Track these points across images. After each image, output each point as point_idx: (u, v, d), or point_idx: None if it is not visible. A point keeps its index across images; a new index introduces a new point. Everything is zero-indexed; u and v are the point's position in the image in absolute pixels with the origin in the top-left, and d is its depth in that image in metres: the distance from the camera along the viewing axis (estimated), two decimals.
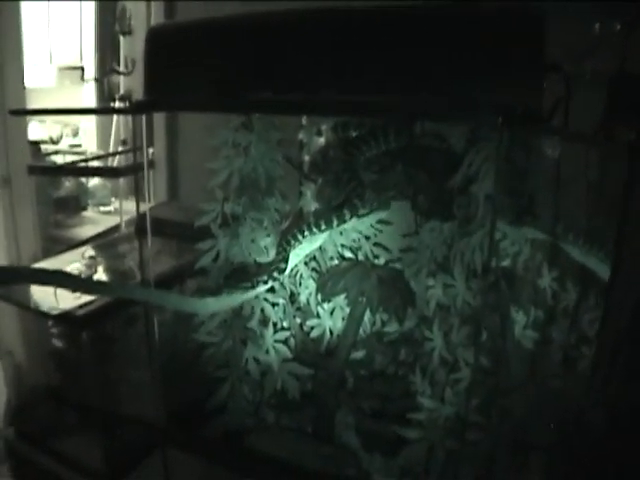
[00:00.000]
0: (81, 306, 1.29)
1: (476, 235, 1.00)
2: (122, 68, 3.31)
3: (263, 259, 1.17)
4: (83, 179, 3.18)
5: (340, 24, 0.91)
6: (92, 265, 1.55)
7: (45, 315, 1.32)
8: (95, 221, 3.08)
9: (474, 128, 1.01)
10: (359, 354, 1.27)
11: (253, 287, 1.07)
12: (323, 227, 1.09)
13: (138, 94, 3.39)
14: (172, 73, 1.04)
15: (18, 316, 1.58)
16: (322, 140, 1.32)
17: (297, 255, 1.14)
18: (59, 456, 1.45)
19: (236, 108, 1.06)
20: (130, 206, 2.97)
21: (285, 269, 1.10)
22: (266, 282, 1.09)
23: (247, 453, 1.22)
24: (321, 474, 1.16)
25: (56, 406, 1.54)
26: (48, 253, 2.56)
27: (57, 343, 1.44)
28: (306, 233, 1.10)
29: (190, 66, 1.01)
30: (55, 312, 1.27)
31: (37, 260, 2.46)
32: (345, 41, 0.90)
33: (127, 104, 3.16)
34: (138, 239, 1.72)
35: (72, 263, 1.60)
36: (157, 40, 1.06)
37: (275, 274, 1.08)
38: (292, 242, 1.08)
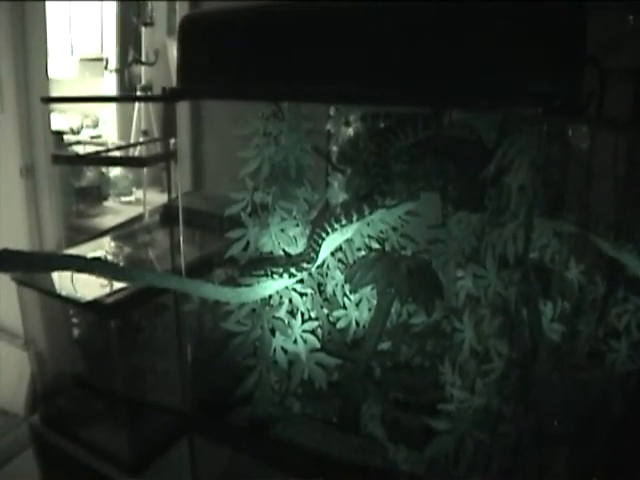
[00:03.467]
0: (109, 294, 1.30)
1: (509, 226, 0.99)
2: (144, 59, 3.33)
3: (292, 249, 1.17)
4: (104, 169, 3.21)
5: (376, 12, 0.91)
6: (117, 254, 1.56)
7: (73, 303, 1.33)
8: (116, 211, 3.12)
9: (509, 119, 1.00)
10: (386, 345, 1.26)
11: (285, 277, 1.08)
12: (353, 218, 1.09)
13: (159, 85, 3.41)
14: (206, 61, 1.04)
15: (43, 303, 1.58)
16: (350, 131, 1.32)
17: (328, 246, 1.14)
18: (84, 443, 1.47)
19: (269, 97, 1.06)
20: (150, 196, 3.00)
21: (315, 261, 1.10)
22: (297, 273, 1.09)
23: (273, 442, 1.23)
24: (347, 464, 1.16)
25: (82, 394, 1.55)
26: (70, 242, 2.59)
27: (84, 331, 1.45)
28: (336, 225, 1.10)
29: (224, 54, 1.01)
30: (83, 300, 1.28)
31: (60, 249, 2.49)
32: (380, 30, 0.90)
33: (148, 94, 3.19)
34: (164, 228, 1.75)
35: (96, 252, 1.61)
36: (191, 28, 1.06)
37: (306, 265, 1.08)
38: (323, 234, 1.09)
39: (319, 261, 1.12)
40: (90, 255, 1.32)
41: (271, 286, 1.10)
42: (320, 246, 1.10)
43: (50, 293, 1.39)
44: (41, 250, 2.49)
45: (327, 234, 1.09)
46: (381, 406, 1.21)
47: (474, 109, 1.00)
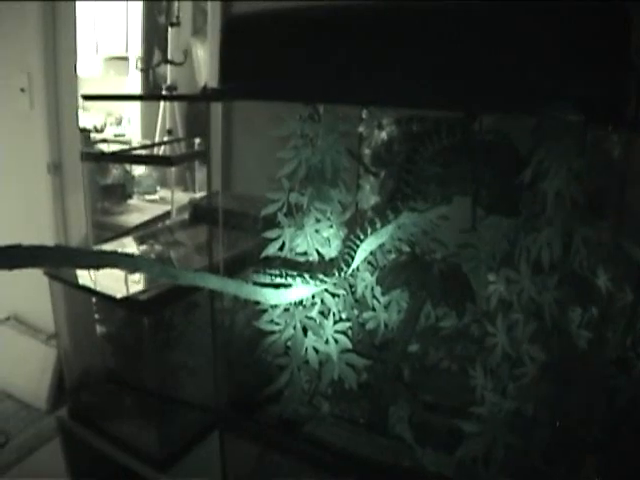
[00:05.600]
0: (143, 291, 1.32)
1: (544, 232, 0.99)
2: (169, 58, 3.35)
3: (325, 250, 1.18)
4: (128, 168, 3.24)
5: (420, 15, 0.91)
6: (149, 253, 1.58)
7: (106, 299, 1.34)
8: (141, 209, 3.14)
9: (546, 124, 1.01)
10: (415, 347, 1.27)
11: (323, 281, 1.10)
12: (386, 221, 1.11)
13: (183, 84, 3.43)
14: (248, 62, 1.05)
15: (74, 298, 1.60)
16: (383, 134, 1.33)
17: (364, 251, 1.15)
18: (112, 437, 1.48)
19: (310, 99, 1.07)
20: (175, 195, 3.04)
21: (350, 266, 1.11)
22: (333, 278, 1.11)
23: (302, 441, 1.24)
24: (375, 463, 1.17)
25: (110, 388, 1.57)
26: (96, 239, 2.62)
27: (115, 326, 1.47)
28: (370, 230, 1.12)
29: (266, 55, 1.03)
30: (118, 296, 1.30)
31: (86, 245, 2.52)
32: (422, 33, 0.91)
33: (174, 94, 3.21)
34: (193, 227, 1.76)
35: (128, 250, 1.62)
36: (235, 29, 1.08)
37: (342, 270, 1.10)
38: (358, 240, 1.10)
39: (354, 265, 1.13)
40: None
41: (308, 288, 1.11)
42: (355, 251, 1.11)
43: (82, 288, 1.41)
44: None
45: (361, 240, 1.11)
46: (409, 407, 1.22)
47: (516, 114, 1.00)
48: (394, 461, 1.17)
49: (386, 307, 1.30)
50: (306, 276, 1.10)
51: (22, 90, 2.38)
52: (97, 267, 0.71)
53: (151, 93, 3.64)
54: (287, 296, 1.10)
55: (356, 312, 1.29)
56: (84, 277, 1.43)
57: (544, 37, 0.82)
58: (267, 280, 1.09)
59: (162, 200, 3.29)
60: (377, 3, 0.94)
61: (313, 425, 1.25)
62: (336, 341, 1.20)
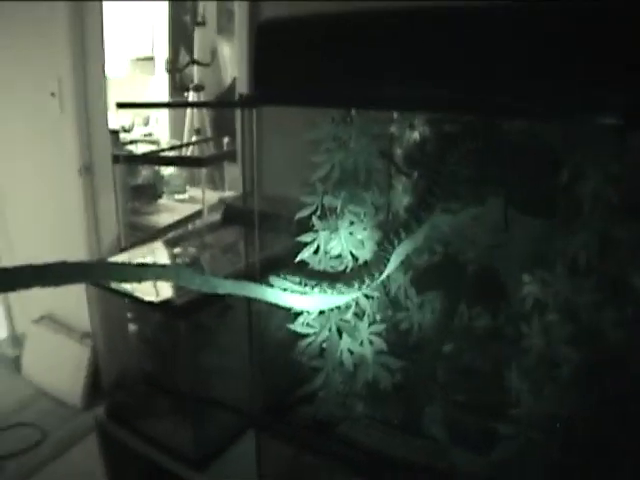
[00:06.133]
0: (178, 295, 1.33)
1: (580, 235, 0.98)
2: (196, 58, 3.37)
3: (360, 252, 1.19)
4: (158, 167, 3.26)
5: (454, 21, 0.91)
6: (182, 255, 1.59)
7: (142, 303, 1.36)
8: (170, 209, 3.17)
9: (585, 128, 1.00)
10: (449, 348, 1.27)
11: (359, 288, 1.11)
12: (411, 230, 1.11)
13: (210, 83, 3.44)
14: (282, 68, 1.06)
15: (109, 301, 1.62)
16: (415, 134, 1.32)
17: (398, 255, 1.15)
18: (148, 437, 1.50)
19: (342, 104, 1.07)
20: (201, 194, 3.05)
21: (384, 272, 1.12)
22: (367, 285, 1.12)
23: (336, 442, 1.25)
24: (409, 464, 1.17)
25: (146, 389, 1.59)
26: (128, 240, 2.65)
27: (151, 329, 1.49)
28: (403, 235, 1.12)
29: (300, 61, 1.03)
30: (154, 300, 1.32)
31: (118, 246, 2.55)
32: (460, 39, 0.90)
33: (200, 94, 3.23)
34: (225, 228, 1.77)
35: (159, 253, 1.64)
36: (266, 35, 1.08)
37: (375, 277, 1.10)
38: (391, 247, 1.11)
39: (387, 272, 1.13)
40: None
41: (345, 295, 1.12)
42: (388, 259, 1.11)
43: (117, 292, 1.43)
44: (98, 248, 2.56)
45: (394, 247, 1.11)
46: (443, 408, 1.22)
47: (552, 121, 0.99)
48: (427, 462, 1.18)
49: (420, 307, 1.30)
50: (325, 286, 1.10)
51: (52, 94, 2.41)
52: (140, 280, 0.72)
53: (179, 93, 3.66)
54: (324, 303, 1.11)
55: (390, 313, 1.30)
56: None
57: (581, 40, 0.81)
58: (286, 287, 1.09)
59: (192, 199, 3.31)
60: (413, 8, 0.94)
61: (347, 426, 1.26)
62: (371, 343, 1.20)
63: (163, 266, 0.78)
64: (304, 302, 1.08)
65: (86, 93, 2.46)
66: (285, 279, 1.05)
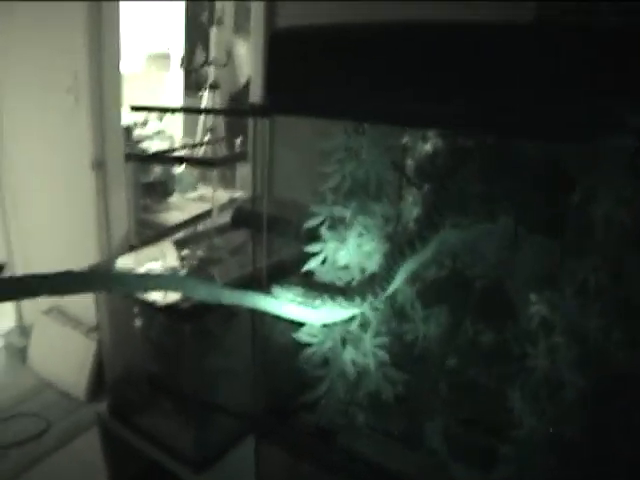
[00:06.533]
0: (184, 299, 1.33)
1: (590, 257, 0.98)
2: (212, 57, 3.37)
3: (368, 265, 1.18)
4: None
5: (471, 36, 0.90)
6: (190, 258, 1.59)
7: (149, 306, 1.36)
8: (181, 207, 3.18)
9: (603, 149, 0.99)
10: (453, 362, 1.26)
11: (363, 304, 1.11)
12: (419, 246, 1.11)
13: (226, 82, 3.43)
14: (294, 78, 1.06)
15: (112, 297, 1.63)
16: (427, 146, 1.32)
17: (406, 269, 1.14)
18: (149, 436, 1.51)
19: (357, 117, 1.07)
20: (211, 192, 3.05)
21: (389, 287, 1.11)
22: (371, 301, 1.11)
23: (336, 451, 1.25)
24: (408, 478, 1.17)
25: (149, 389, 1.59)
26: (137, 237, 2.67)
27: (155, 330, 1.49)
28: (409, 253, 1.12)
29: (313, 71, 1.03)
30: (159, 303, 1.32)
31: (127, 242, 2.56)
32: (476, 55, 0.89)
33: (216, 92, 3.23)
34: (234, 231, 1.78)
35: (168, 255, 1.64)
36: (279, 44, 1.08)
37: (380, 293, 1.10)
38: (400, 261, 1.10)
39: (395, 285, 1.13)
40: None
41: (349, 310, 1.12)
42: (394, 277, 1.11)
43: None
44: (109, 244, 2.57)
45: (399, 266, 1.11)
46: (444, 423, 1.22)
47: (568, 142, 0.98)
48: (426, 477, 1.17)
49: (425, 320, 1.30)
50: (330, 300, 1.10)
51: (68, 89, 2.42)
52: (145, 291, 0.72)
53: (194, 91, 3.65)
54: (329, 317, 1.11)
55: (395, 325, 1.29)
56: None
57: (597, 63, 0.81)
58: (289, 299, 1.09)
59: (202, 198, 3.32)
60: (430, 21, 0.93)
61: (347, 436, 1.26)
62: (374, 355, 1.20)
63: (167, 276, 0.78)
64: (309, 315, 1.08)
65: (101, 88, 2.47)
66: (289, 291, 1.05)
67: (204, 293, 0.80)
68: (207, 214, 2.77)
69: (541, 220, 1.11)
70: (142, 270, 1.46)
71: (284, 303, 1.02)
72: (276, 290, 1.04)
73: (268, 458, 1.30)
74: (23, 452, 2.35)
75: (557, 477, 1.01)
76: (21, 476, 2.24)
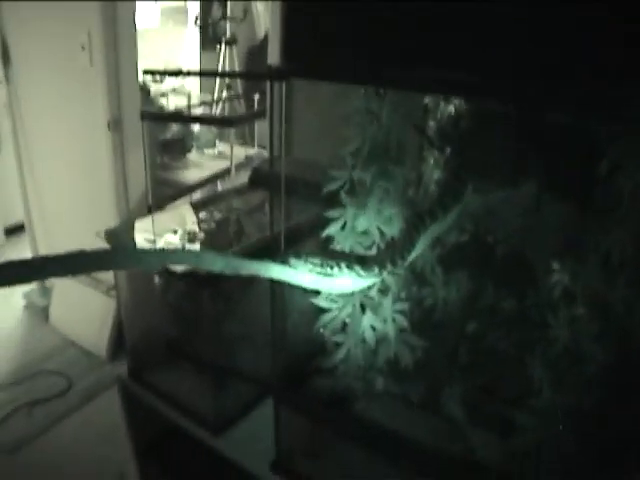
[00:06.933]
0: None
1: (617, 228, 0.94)
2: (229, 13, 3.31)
3: (388, 230, 1.16)
4: None
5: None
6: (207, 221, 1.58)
7: (167, 271, 1.36)
8: (199, 165, 3.15)
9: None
10: (473, 327, 1.25)
11: (381, 273, 1.08)
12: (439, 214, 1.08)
13: (242, 36, 3.37)
14: (310, 41, 1.02)
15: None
16: (450, 107, 1.28)
17: (428, 236, 1.12)
18: (168, 399, 1.52)
19: (373, 82, 1.03)
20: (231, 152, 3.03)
21: (406, 259, 1.09)
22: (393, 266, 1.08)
23: (353, 417, 1.25)
24: (427, 445, 1.17)
25: (168, 353, 1.60)
26: (155, 194, 2.65)
27: (173, 294, 1.49)
28: (429, 222, 1.09)
29: (331, 35, 0.99)
30: (178, 269, 1.31)
31: (146, 201, 2.55)
32: (504, 24, 0.85)
33: (233, 48, 3.18)
34: (252, 193, 1.76)
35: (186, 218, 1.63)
36: (296, 6, 1.04)
37: (400, 262, 1.07)
38: (421, 227, 1.07)
39: (416, 253, 1.11)
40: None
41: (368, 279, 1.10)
42: (417, 241, 1.08)
43: None
44: (126, 203, 2.56)
45: (424, 229, 1.08)
46: (463, 389, 1.21)
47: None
48: (444, 443, 1.17)
49: (445, 284, 1.28)
50: (345, 269, 1.07)
51: (82, 48, 2.38)
52: (161, 266, 0.71)
53: (211, 46, 3.59)
54: (349, 286, 1.09)
55: (415, 290, 1.28)
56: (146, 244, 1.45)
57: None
58: (306, 268, 1.07)
59: (221, 155, 3.28)
60: None
61: (365, 401, 1.26)
62: (394, 320, 1.19)
63: (184, 251, 0.76)
64: (326, 284, 1.06)
65: (116, 45, 2.43)
66: (306, 260, 1.03)
67: (222, 265, 0.79)
68: (226, 172, 2.75)
69: (566, 188, 1.08)
70: (162, 242, 1.47)
71: (302, 273, 1.00)
72: (293, 259, 1.02)
73: (286, 422, 1.31)
74: (47, 410, 2.40)
75: (574, 448, 1.00)
76: (46, 433, 2.29)
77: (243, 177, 1.92)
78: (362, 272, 1.05)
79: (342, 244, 1.16)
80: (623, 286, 0.93)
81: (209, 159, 3.25)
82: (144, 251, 0.79)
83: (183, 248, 1.22)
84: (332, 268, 1.03)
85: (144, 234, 1.50)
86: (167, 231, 1.51)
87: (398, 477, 1.20)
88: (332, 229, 1.15)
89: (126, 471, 1.88)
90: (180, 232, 1.45)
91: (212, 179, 2.67)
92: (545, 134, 1.07)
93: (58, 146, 2.74)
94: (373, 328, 1.19)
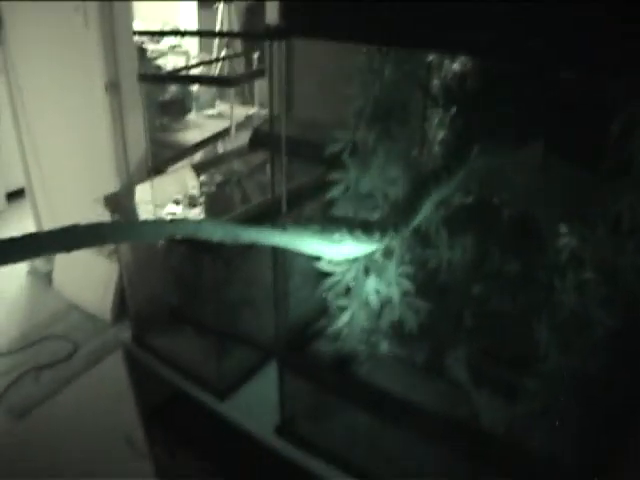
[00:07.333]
0: None
1: (628, 192, 0.92)
2: None
3: (392, 191, 1.14)
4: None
5: None
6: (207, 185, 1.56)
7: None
8: (200, 125, 3.11)
9: None
10: (478, 289, 1.24)
11: (383, 239, 1.05)
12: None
13: None
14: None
15: None
16: (455, 65, 1.24)
17: (433, 200, 1.09)
18: (173, 364, 1.52)
19: (373, 41, 0.99)
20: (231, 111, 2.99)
21: (413, 220, 1.06)
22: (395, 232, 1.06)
23: (358, 381, 1.25)
24: (430, 409, 1.17)
25: (171, 318, 1.60)
26: (155, 157, 2.63)
27: (175, 259, 1.47)
28: (433, 185, 1.06)
29: None
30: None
31: (146, 164, 2.53)
32: None
33: (231, 4, 3.10)
34: (253, 154, 1.73)
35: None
36: None
37: (404, 227, 1.05)
38: (424, 193, 1.05)
39: (420, 217, 1.08)
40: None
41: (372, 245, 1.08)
42: (421, 206, 1.06)
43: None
44: (126, 167, 2.54)
45: (428, 194, 1.05)
46: (468, 353, 1.20)
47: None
48: (448, 407, 1.17)
49: (450, 246, 1.26)
50: (346, 234, 1.04)
51: (76, 9, 2.32)
52: (161, 238, 0.69)
53: (208, 3, 3.50)
54: (354, 252, 1.06)
55: (419, 252, 1.26)
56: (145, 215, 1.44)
57: None
58: (307, 234, 1.03)
59: (221, 115, 3.24)
60: None
61: (369, 365, 1.25)
62: (398, 284, 1.17)
63: (183, 221, 0.74)
64: (328, 251, 1.04)
65: (111, 5, 2.37)
66: (307, 227, 1.00)
67: (221, 234, 0.77)
68: (225, 132, 2.72)
69: (575, 149, 1.05)
70: (164, 213, 1.44)
71: (303, 239, 0.98)
72: (294, 226, 0.99)
73: (290, 386, 1.31)
74: (54, 374, 2.42)
75: (580, 413, 0.99)
76: (53, 397, 2.31)
77: (244, 137, 1.88)
78: (363, 237, 1.03)
79: (345, 208, 1.14)
80: (632, 251, 0.90)
81: (209, 119, 3.21)
82: (141, 223, 0.77)
83: (181, 218, 1.20)
84: (333, 234, 1.01)
85: (145, 204, 1.49)
86: (169, 200, 1.49)
87: (402, 440, 1.20)
88: (334, 192, 1.12)
89: (133, 434, 1.90)
90: (182, 202, 1.43)
91: (212, 140, 2.63)
92: (556, 92, 1.04)
93: (56, 110, 2.70)
94: (377, 292, 1.18)
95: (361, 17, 0.91)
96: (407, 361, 1.26)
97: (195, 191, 1.49)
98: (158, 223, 0.75)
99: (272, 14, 1.74)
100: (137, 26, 3.92)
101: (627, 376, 0.96)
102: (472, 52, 1.00)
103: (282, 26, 1.00)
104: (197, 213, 1.45)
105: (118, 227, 0.70)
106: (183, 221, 0.76)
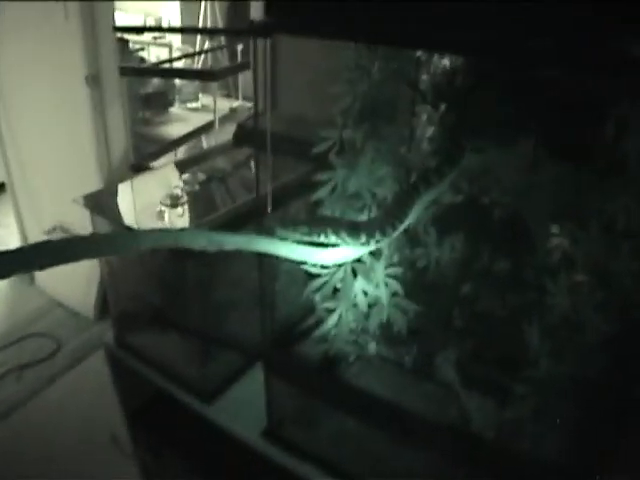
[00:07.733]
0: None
1: (622, 194, 0.90)
2: None
3: (380, 190, 1.12)
4: None
5: None
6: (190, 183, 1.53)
7: None
8: (183, 118, 3.07)
9: None
10: (467, 289, 1.22)
11: (368, 243, 1.02)
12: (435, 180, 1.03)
13: None
14: None
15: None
16: (445, 61, 1.22)
17: (422, 203, 1.07)
18: (158, 366, 1.50)
19: (359, 38, 0.97)
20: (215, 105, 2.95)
21: (401, 224, 1.04)
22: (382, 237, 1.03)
23: (345, 383, 1.23)
24: (420, 411, 1.15)
25: (154, 320, 1.57)
26: (138, 151, 2.59)
27: (156, 260, 1.45)
28: (423, 188, 1.04)
29: None
30: None
31: (128, 159, 2.49)
32: None
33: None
34: (237, 150, 1.70)
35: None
36: None
37: (390, 232, 1.02)
38: (415, 196, 1.02)
39: (409, 221, 1.06)
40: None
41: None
42: (410, 209, 1.03)
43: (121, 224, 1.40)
44: (108, 161, 2.49)
45: (417, 197, 1.03)
46: (458, 355, 1.19)
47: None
48: (437, 409, 1.16)
49: (439, 245, 1.24)
50: (331, 235, 1.00)
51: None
52: (140, 249, 0.66)
53: (192, 3, 3.45)
54: (342, 257, 1.04)
55: (408, 252, 1.24)
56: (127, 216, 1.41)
57: None
58: (294, 239, 0.99)
59: (204, 108, 3.20)
60: None
61: (357, 367, 1.24)
62: (386, 285, 1.15)
63: (162, 231, 0.72)
64: (316, 256, 1.01)
65: None
66: (294, 230, 0.97)
67: (203, 242, 0.74)
68: (209, 126, 2.68)
69: (566, 148, 1.03)
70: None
71: (289, 245, 0.95)
72: (279, 229, 0.96)
73: (277, 389, 1.29)
74: (37, 372, 2.38)
75: (572, 418, 0.98)
76: (37, 395, 2.28)
77: (228, 130, 1.85)
78: (349, 239, 0.99)
79: (332, 208, 1.12)
80: (625, 254, 0.89)
81: (192, 112, 3.17)
82: (117, 235, 0.74)
83: (161, 228, 1.18)
84: (319, 235, 0.98)
85: (126, 204, 1.46)
86: (150, 200, 1.45)
87: (390, 443, 1.19)
88: (321, 192, 1.10)
89: (117, 433, 1.88)
90: (164, 202, 1.40)
91: (196, 133, 2.60)
92: (547, 91, 1.02)
93: (36, 105, 2.64)
94: (365, 293, 1.16)
95: (346, 15, 0.89)
96: (396, 363, 1.24)
97: (178, 191, 1.46)
98: (138, 233, 0.72)
99: (257, 9, 1.71)
100: (118, 17, 3.88)
101: (620, 379, 0.95)
102: (459, 51, 0.99)
103: (267, 22, 0.97)
104: (180, 213, 1.42)
105: (92, 241, 0.67)
106: (162, 230, 0.73)
